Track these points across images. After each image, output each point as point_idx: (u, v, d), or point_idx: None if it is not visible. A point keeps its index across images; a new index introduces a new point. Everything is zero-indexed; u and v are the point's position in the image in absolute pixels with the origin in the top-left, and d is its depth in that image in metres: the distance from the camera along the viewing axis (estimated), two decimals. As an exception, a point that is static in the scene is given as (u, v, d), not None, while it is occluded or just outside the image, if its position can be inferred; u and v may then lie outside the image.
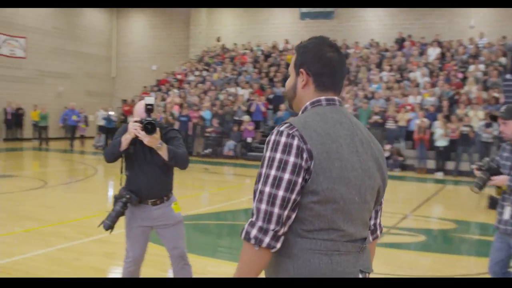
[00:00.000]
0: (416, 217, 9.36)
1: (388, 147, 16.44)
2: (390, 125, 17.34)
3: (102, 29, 30.97)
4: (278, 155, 1.77)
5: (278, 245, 1.79)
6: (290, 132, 1.80)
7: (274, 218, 1.76)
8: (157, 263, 5.61)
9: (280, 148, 1.78)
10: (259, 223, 1.77)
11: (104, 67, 31.29)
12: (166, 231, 4.07)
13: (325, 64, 1.95)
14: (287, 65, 22.95)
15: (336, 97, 1.98)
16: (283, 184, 1.75)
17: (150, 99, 3.78)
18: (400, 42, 22.74)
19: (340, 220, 1.82)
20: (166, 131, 3.99)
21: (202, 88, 22.68)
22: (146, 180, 3.91)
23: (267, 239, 1.77)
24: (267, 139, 1.85)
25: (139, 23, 30.94)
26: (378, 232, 2.14)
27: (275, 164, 1.77)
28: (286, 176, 1.76)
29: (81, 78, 29.67)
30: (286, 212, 1.77)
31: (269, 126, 19.94)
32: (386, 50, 22.41)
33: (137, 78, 30.84)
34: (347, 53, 22.81)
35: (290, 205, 1.77)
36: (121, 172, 4.05)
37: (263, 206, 1.77)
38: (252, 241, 1.77)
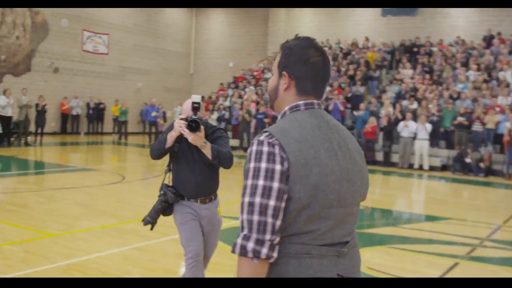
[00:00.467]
0: (509, 228, 8.64)
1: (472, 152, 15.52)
2: (476, 127, 16.38)
3: (182, 26, 31.36)
4: (263, 165, 1.75)
5: (275, 254, 1.76)
6: (270, 141, 1.78)
7: (269, 228, 1.73)
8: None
9: (264, 157, 1.76)
10: (254, 235, 1.73)
11: (183, 63, 31.69)
12: (209, 236, 4.09)
13: (309, 69, 1.92)
14: (367, 63, 22.28)
15: (315, 101, 1.95)
16: (273, 194, 1.73)
17: (197, 97, 3.80)
18: (489, 39, 21.51)
19: (313, 225, 1.79)
20: (213, 131, 4.01)
21: (279, 85, 22.37)
22: (194, 178, 3.93)
23: (264, 250, 1.73)
24: (249, 150, 1.82)
25: (217, 20, 31.10)
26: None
27: (262, 174, 1.75)
28: (275, 185, 1.74)
29: (160, 74, 30.18)
30: (278, 222, 1.74)
31: (347, 125, 19.39)
32: (473, 48, 21.26)
33: (214, 75, 31.02)
34: (430, 51, 21.86)
35: (281, 213, 1.75)
36: (167, 169, 4.09)
37: (256, 218, 1.73)
38: (250, 255, 1.73)
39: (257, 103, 20.83)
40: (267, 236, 1.73)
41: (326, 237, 1.82)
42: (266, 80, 23.76)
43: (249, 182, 1.76)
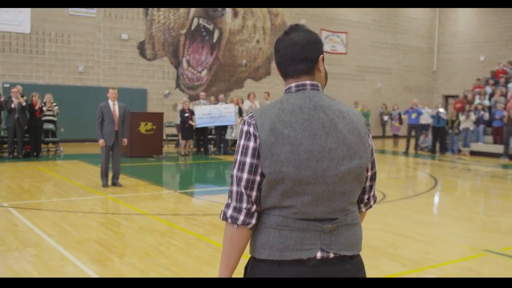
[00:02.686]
0: None
1: None
2: None
3: (423, 19, 28.58)
4: (242, 142, 1.97)
5: (253, 221, 1.97)
6: (249, 121, 1.98)
7: (245, 198, 1.95)
8: None
9: (243, 135, 1.97)
10: (233, 204, 1.97)
11: (424, 60, 28.88)
12: None
13: (277, 54, 2.08)
14: None
15: (308, 82, 2.04)
16: (246, 168, 1.94)
17: None
18: None
19: (291, 200, 1.93)
20: None
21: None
22: None
23: (241, 217, 1.96)
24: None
25: (463, 11, 27.57)
26: (372, 202, 2.21)
27: (240, 150, 1.97)
28: (248, 160, 1.94)
29: (400, 72, 27.88)
30: (254, 193, 1.95)
31: None
32: None
33: (461, 71, 27.68)
34: None
35: (255, 186, 1.94)
36: None
37: (234, 188, 1.97)
38: (229, 220, 1.97)
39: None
40: (244, 205, 1.95)
41: (307, 212, 1.94)
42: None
43: (235, 157, 1.99)
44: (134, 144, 14.37)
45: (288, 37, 2.06)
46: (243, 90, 21.95)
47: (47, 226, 6.74)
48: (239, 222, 1.95)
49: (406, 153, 18.68)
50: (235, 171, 1.96)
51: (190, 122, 15.35)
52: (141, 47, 19.97)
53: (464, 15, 27.73)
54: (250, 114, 2.00)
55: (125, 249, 5.96)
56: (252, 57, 22.68)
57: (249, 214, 1.95)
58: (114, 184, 9.61)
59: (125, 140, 9.69)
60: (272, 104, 2.00)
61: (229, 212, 1.96)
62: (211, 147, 16.84)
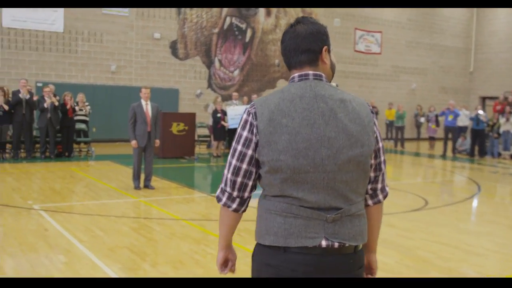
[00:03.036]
0: None
1: None
2: None
3: (460, 19, 27.81)
4: (238, 130, 2.05)
5: (234, 206, 2.10)
6: (250, 110, 2.03)
7: (229, 183, 2.07)
8: None
9: (241, 124, 2.05)
10: (221, 185, 2.11)
11: (461, 60, 28.10)
12: None
13: (282, 46, 2.15)
14: None
15: (311, 72, 2.07)
16: (236, 155, 2.03)
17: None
18: None
19: (291, 188, 1.96)
20: None
21: None
22: None
23: (224, 199, 2.10)
24: None
25: (503, 10, 26.68)
26: (380, 196, 2.17)
27: (235, 137, 2.06)
28: (239, 148, 2.03)
29: (436, 73, 27.18)
30: (239, 179, 2.05)
31: None
32: None
33: (499, 72, 26.84)
34: None
35: (241, 173, 2.03)
36: None
37: (225, 172, 2.09)
38: (217, 200, 2.14)
39: None
40: (228, 189, 2.08)
41: (310, 201, 1.96)
42: None
43: (232, 144, 2.08)
44: (166, 145, 14.15)
45: (293, 28, 2.12)
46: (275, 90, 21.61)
47: (78, 230, 6.51)
48: (221, 203, 2.11)
49: (443, 156, 18.08)
50: (229, 157, 2.07)
51: (223, 122, 15.07)
52: (173, 46, 19.79)
53: (503, 14, 26.86)
54: (252, 103, 2.06)
55: (158, 257, 5.68)
56: (284, 57, 22.31)
57: (230, 198, 2.09)
58: (147, 186, 9.35)
59: (157, 141, 9.37)
60: (274, 93, 2.06)
61: (218, 192, 2.13)
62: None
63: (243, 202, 2.10)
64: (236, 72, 21.17)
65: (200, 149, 17.32)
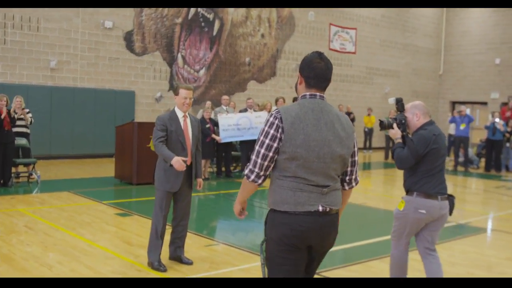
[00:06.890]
0: None
1: None
2: None
3: (432, 16, 25.73)
4: (266, 128, 2.86)
5: (259, 181, 2.92)
6: (276, 115, 2.86)
7: (258, 165, 2.88)
8: None
9: (268, 123, 2.86)
10: (250, 167, 2.91)
11: (431, 62, 26.01)
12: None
13: (311, 71, 2.95)
14: None
15: (318, 93, 2.97)
16: (264, 146, 2.85)
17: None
18: None
19: (301, 172, 2.85)
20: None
21: None
22: None
23: (252, 177, 2.91)
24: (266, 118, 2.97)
25: (476, 8, 24.76)
26: (354, 184, 3.15)
27: (263, 133, 2.86)
28: (266, 141, 2.84)
29: (408, 76, 24.98)
30: (266, 163, 2.87)
31: None
32: None
33: (472, 74, 24.98)
34: None
35: (268, 158, 2.86)
36: None
37: (253, 157, 2.89)
38: (245, 177, 2.95)
39: None
40: (256, 170, 2.89)
41: (312, 180, 2.86)
42: None
43: (259, 137, 2.88)
44: (141, 167, 10.51)
45: (323, 62, 2.95)
46: (245, 94, 18.29)
47: None
48: (250, 179, 2.93)
49: (454, 171, 15.50)
50: (257, 147, 2.88)
51: (214, 136, 11.56)
52: (128, 39, 15.94)
53: (476, 13, 25.00)
54: (277, 110, 2.89)
55: None
56: (256, 54, 19.03)
57: (258, 176, 2.90)
58: (179, 259, 5.50)
59: (200, 181, 5.46)
60: (293, 105, 2.94)
61: (246, 171, 2.93)
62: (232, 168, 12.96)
63: (265, 179, 2.93)
64: (202, 72, 17.64)
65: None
